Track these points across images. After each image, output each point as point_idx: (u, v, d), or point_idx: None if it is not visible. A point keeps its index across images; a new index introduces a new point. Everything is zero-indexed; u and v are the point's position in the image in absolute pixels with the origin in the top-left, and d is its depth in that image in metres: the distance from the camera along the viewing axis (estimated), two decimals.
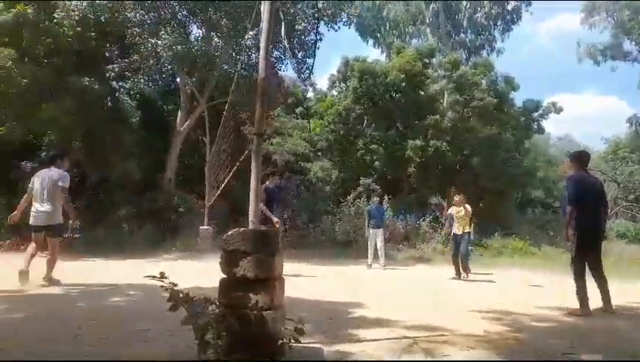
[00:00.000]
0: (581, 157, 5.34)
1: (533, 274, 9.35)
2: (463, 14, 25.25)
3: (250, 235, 2.61)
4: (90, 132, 12.37)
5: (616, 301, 5.04)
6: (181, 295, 2.51)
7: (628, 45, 24.15)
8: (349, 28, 15.89)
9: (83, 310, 4.52)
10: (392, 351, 3.09)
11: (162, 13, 12.73)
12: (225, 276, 2.59)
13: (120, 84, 15.22)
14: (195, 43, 13.16)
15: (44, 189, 6.04)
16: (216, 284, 2.62)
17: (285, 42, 11.54)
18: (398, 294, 6.55)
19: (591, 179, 5.31)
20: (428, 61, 18.02)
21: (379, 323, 4.01)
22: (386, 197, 14.00)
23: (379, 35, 26.52)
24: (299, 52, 14.02)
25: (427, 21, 24.51)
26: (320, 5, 13.37)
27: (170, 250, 11.59)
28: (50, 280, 5.92)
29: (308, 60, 14.15)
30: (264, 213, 6.68)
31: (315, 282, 7.33)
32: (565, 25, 58.28)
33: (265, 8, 3.09)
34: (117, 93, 15.25)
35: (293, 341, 2.53)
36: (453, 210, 8.80)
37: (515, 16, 25.45)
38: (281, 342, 2.52)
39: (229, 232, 2.62)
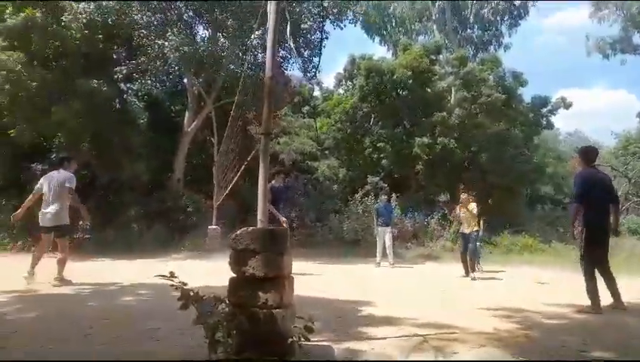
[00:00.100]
0: (588, 153, 5.29)
1: (543, 271, 9.27)
2: (470, 10, 25.05)
3: (259, 234, 2.62)
4: (98, 134, 12.48)
5: (627, 297, 4.98)
6: (191, 294, 2.52)
7: (638, 38, 23.81)
8: (355, 26, 15.85)
9: (94, 309, 4.57)
10: (402, 348, 3.08)
11: (169, 14, 12.79)
12: (234, 275, 2.60)
13: (128, 85, 15.34)
14: (202, 44, 13.20)
15: (51, 191, 6.18)
16: (226, 283, 2.63)
17: (291, 42, 11.53)
18: (407, 292, 6.54)
19: (599, 175, 5.24)
20: (435, 58, 17.89)
21: (388, 321, 4.00)
22: (393, 195, 13.94)
23: (385, 33, 26.39)
24: (305, 51, 14.01)
25: (433, 17, 24.33)
26: (326, 4, 13.36)
27: (179, 249, 11.67)
28: (61, 280, 6.00)
29: (314, 59, 14.13)
30: (271, 212, 6.69)
31: (324, 280, 7.33)
32: (573, 19, 57.65)
33: (271, 8, 3.10)
34: (125, 95, 15.37)
35: (302, 339, 2.53)
36: (459, 209, 8.74)
37: (522, 10, 25.19)
38: (290, 340, 2.53)
39: (238, 231, 2.63)
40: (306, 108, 20.76)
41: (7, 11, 11.77)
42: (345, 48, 41.49)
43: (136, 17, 12.49)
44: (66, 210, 6.23)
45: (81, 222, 6.81)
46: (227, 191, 10.68)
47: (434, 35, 24.33)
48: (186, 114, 14.54)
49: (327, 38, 14.52)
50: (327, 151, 18.49)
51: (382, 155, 16.96)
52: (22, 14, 11.45)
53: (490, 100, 16.42)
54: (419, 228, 14.31)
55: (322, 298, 5.25)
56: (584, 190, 4.91)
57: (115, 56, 13.88)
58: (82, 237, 10.97)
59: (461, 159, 16.64)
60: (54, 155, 11.54)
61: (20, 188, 11.46)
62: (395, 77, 16.38)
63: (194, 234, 12.33)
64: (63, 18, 11.81)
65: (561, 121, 61.44)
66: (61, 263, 6.09)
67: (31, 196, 6.37)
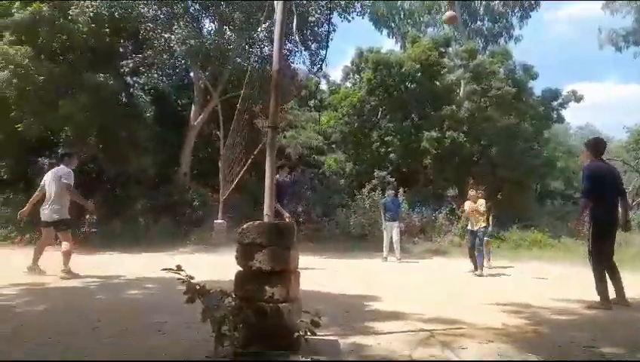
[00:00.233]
0: (597, 145, 5.18)
1: (552, 267, 9.19)
2: (480, 2, 24.75)
3: (266, 228, 2.60)
4: (105, 127, 12.54)
5: (633, 293, 4.92)
6: (197, 287, 2.51)
7: None
8: (363, 18, 15.65)
9: (102, 302, 4.59)
10: (409, 343, 3.05)
11: (175, 7, 12.77)
12: (241, 269, 2.59)
13: (134, 79, 15.39)
14: (208, 37, 13.18)
15: (50, 187, 6.35)
16: (232, 277, 2.62)
17: (297, 36, 11.45)
18: (414, 287, 6.50)
19: (606, 167, 5.14)
20: (444, 50, 17.71)
21: (395, 315, 3.97)
22: (401, 189, 13.86)
23: (393, 25, 26.14)
24: (312, 44, 13.94)
25: (442, 10, 24.07)
26: None
27: (186, 243, 11.71)
28: (68, 273, 6.06)
29: (321, 52, 14.06)
30: (275, 207, 6.65)
31: (331, 275, 7.32)
32: (586, 10, 56.67)
33: (278, 3, 3.05)
34: (131, 89, 15.42)
35: (309, 333, 2.52)
36: (467, 206, 8.65)
37: (533, 2, 24.81)
38: (297, 334, 2.52)
39: (245, 225, 2.62)
40: (313, 101, 20.68)
41: (15, 6, 11.82)
42: (352, 41, 41.06)
43: (142, 11, 12.49)
44: (65, 206, 6.36)
45: (87, 216, 6.88)
46: (233, 185, 10.69)
47: (443, 27, 24.07)
48: (193, 107, 14.56)
49: (334, 30, 14.41)
50: (334, 145, 18.42)
51: (389, 149, 16.86)
52: (29, 9, 11.48)
53: (500, 93, 16.25)
54: (426, 223, 14.24)
55: (328, 292, 5.24)
56: (592, 184, 4.83)
57: (121, 50, 13.92)
58: (89, 230, 11.07)
59: (470, 153, 16.51)
60: (61, 149, 11.65)
61: (27, 182, 11.57)
62: (403, 70, 16.24)
63: (200, 227, 12.39)
64: (69, 12, 11.85)
65: (572, 115, 60.69)
66: (66, 255, 6.16)
67: (37, 192, 6.53)
